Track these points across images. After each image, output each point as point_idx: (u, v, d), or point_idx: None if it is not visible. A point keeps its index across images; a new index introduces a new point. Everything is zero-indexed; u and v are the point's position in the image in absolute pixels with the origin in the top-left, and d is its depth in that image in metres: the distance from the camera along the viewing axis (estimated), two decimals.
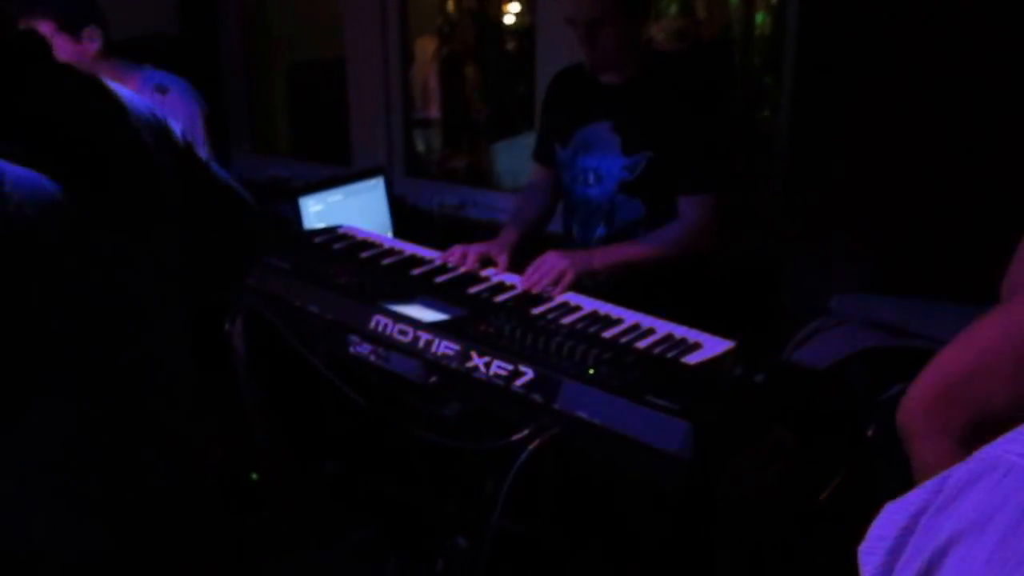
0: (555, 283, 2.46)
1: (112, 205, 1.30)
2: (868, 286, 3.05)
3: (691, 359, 2.06)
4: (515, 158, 4.65)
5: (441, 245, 2.72)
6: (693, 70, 2.77)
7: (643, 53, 2.71)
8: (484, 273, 2.62)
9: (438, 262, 2.66)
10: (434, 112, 5.40)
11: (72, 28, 2.83)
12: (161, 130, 1.44)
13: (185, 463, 1.44)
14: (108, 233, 1.29)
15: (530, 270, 2.49)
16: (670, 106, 2.63)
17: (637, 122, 2.67)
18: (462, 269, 2.62)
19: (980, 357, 1.19)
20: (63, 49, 2.78)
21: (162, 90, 2.95)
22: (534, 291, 2.43)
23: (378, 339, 2.21)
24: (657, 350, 2.11)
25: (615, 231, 2.73)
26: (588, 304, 2.36)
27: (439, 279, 2.54)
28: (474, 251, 2.67)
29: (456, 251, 2.68)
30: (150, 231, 1.37)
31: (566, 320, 2.26)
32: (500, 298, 2.42)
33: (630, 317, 2.28)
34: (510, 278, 2.57)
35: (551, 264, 2.49)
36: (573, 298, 2.42)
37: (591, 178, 2.73)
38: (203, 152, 2.93)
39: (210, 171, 1.59)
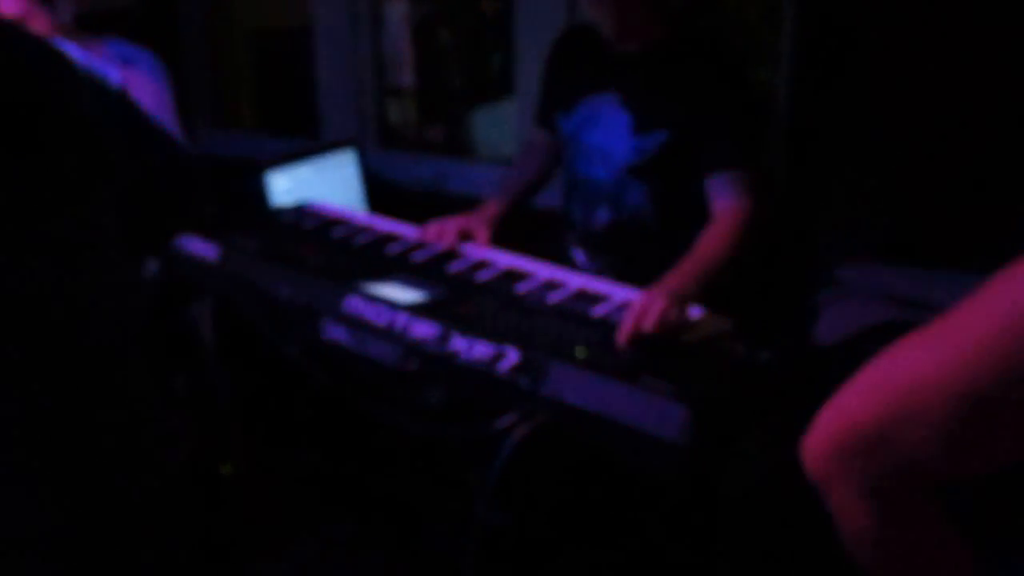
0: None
1: (48, 167, 1.30)
2: (879, 256, 3.00)
3: (689, 337, 2.04)
4: (495, 127, 4.60)
5: (418, 221, 2.70)
6: (715, 37, 2.66)
7: (671, 16, 2.61)
8: (465, 250, 2.58)
9: (414, 239, 2.63)
10: (408, 80, 5.33)
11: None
12: (98, 87, 1.44)
13: (143, 446, 1.42)
14: (46, 198, 1.29)
15: (627, 312, 2.17)
16: (692, 80, 2.54)
17: (652, 98, 2.59)
18: (441, 246, 2.58)
19: (902, 400, 0.96)
20: (39, 22, 2.75)
21: (127, 63, 2.91)
22: (644, 331, 2.11)
23: (353, 322, 2.19)
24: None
25: (623, 218, 2.66)
26: (575, 281, 2.33)
27: (416, 257, 2.52)
28: (452, 226, 2.63)
29: (433, 227, 2.64)
30: (90, 194, 1.36)
31: (554, 298, 2.23)
32: (482, 276, 2.39)
33: (619, 294, 2.24)
34: (492, 254, 2.54)
35: (640, 303, 2.17)
36: (559, 274, 2.38)
37: (596, 157, 2.66)
38: (172, 123, 2.90)
39: (147, 123, 1.55)
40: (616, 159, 2.61)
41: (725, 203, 2.47)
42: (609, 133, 2.62)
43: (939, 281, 2.79)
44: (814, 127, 3.26)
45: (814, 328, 2.63)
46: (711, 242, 2.42)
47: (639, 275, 2.41)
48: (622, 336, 2.01)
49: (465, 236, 2.64)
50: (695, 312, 2.13)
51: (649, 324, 2.02)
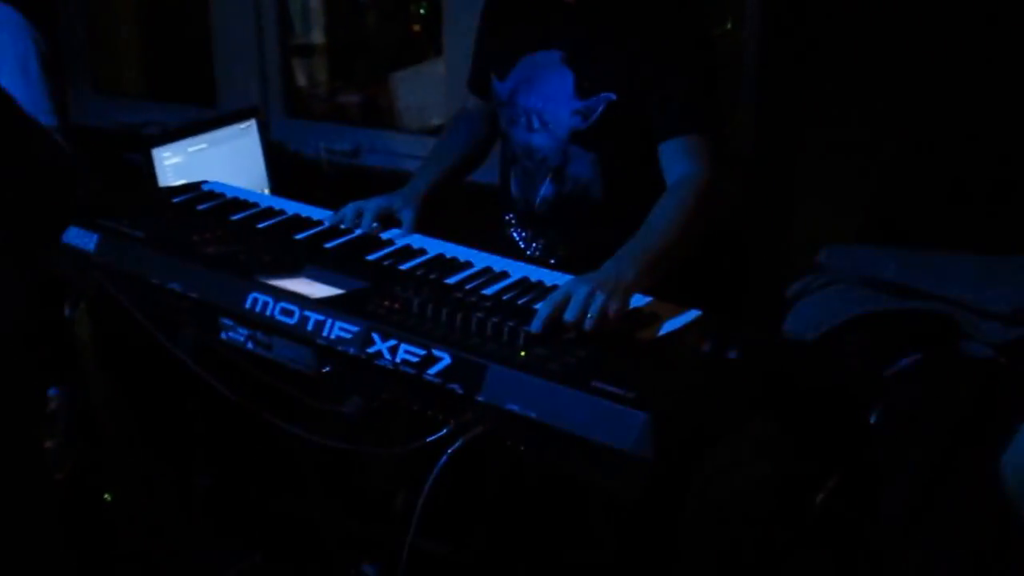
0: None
1: None
2: (862, 236, 3.05)
3: (648, 334, 2.04)
4: (421, 91, 4.58)
5: (332, 202, 2.69)
6: None
7: None
8: (386, 236, 2.57)
9: (328, 224, 2.61)
10: (318, 37, 5.29)
11: None
12: None
13: (10, 468, 1.38)
14: None
15: (548, 298, 2.13)
16: (641, 32, 2.54)
17: (596, 54, 2.58)
18: (358, 231, 2.58)
19: None
20: None
21: None
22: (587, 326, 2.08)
23: (257, 322, 2.17)
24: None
25: (567, 192, 2.65)
26: (516, 269, 2.33)
27: (330, 244, 2.50)
28: (372, 207, 2.61)
29: (350, 209, 2.62)
30: None
31: (491, 290, 2.22)
32: (407, 265, 2.38)
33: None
34: (419, 240, 2.54)
35: (573, 292, 2.12)
36: (496, 262, 2.38)
37: (535, 122, 2.66)
38: (42, 96, 2.84)
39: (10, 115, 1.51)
40: (558, 125, 2.61)
41: (680, 171, 2.45)
42: (550, 95, 2.62)
43: (932, 262, 2.78)
44: (787, 89, 3.28)
45: (791, 320, 2.63)
46: (666, 215, 2.37)
47: (589, 259, 2.38)
48: (535, 323, 2.01)
49: (388, 219, 2.63)
50: (643, 301, 2.14)
51: (573, 315, 2.02)
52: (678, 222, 2.35)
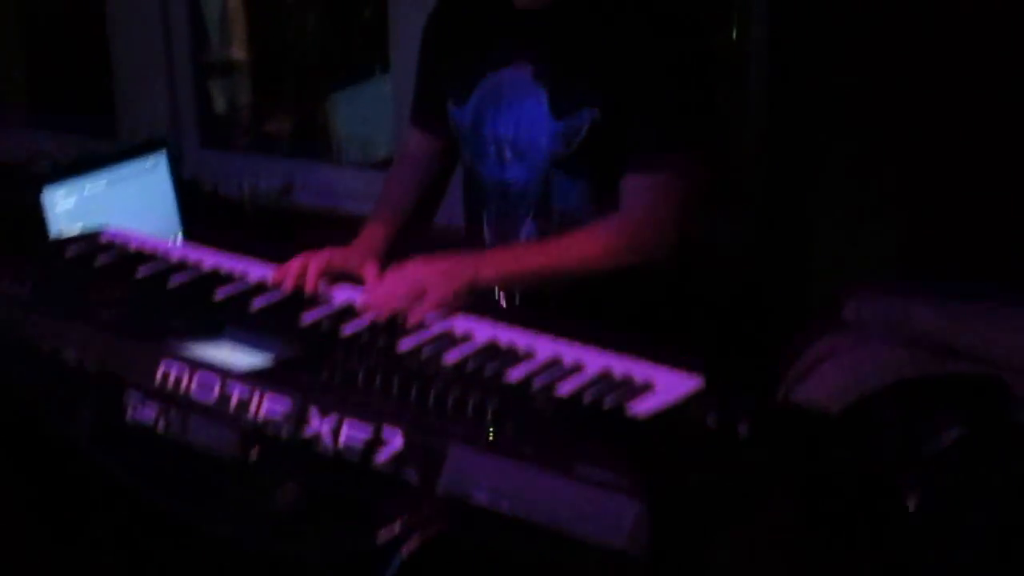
0: (411, 302, 2.42)
1: None
2: (890, 275, 3.07)
3: (641, 406, 2.03)
4: (364, 114, 4.60)
5: (258, 250, 2.72)
6: None
7: None
8: (326, 293, 2.59)
9: (254, 279, 2.63)
10: (239, 51, 5.31)
11: None
12: None
13: None
14: None
15: (370, 286, 2.50)
16: (621, 37, 2.59)
17: (572, 65, 2.63)
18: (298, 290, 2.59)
19: None
20: None
21: None
22: (384, 316, 2.40)
23: (169, 397, 2.16)
24: (589, 396, 2.08)
25: (553, 228, 2.70)
26: (483, 331, 2.34)
27: (257, 303, 2.51)
28: (317, 262, 2.63)
29: (294, 265, 2.63)
30: None
31: (451, 357, 2.23)
32: (350, 328, 2.39)
33: (546, 347, 2.26)
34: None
35: (406, 276, 2.47)
36: (461, 323, 2.39)
37: (507, 152, 2.70)
38: None
39: None
40: (536, 151, 2.67)
41: (627, 212, 2.60)
42: (522, 118, 2.67)
43: (973, 312, 2.83)
44: (801, 106, 3.31)
45: (813, 386, 2.65)
46: (578, 243, 2.59)
47: (584, 309, 2.49)
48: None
49: (342, 275, 2.66)
50: (635, 366, 2.15)
51: (390, 308, 2.32)
52: (575, 250, 2.58)
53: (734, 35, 3.69)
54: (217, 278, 2.64)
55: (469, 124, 2.73)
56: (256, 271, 2.68)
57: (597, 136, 2.60)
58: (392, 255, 2.76)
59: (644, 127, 2.58)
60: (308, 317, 2.45)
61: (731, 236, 3.46)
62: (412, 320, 2.39)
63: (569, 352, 2.25)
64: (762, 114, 3.34)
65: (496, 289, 2.69)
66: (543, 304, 2.68)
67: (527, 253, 2.64)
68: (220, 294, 2.55)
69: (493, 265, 2.57)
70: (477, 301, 2.54)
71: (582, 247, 2.60)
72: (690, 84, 2.61)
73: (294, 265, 2.63)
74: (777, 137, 3.34)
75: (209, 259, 2.73)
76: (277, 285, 2.61)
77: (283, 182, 4.27)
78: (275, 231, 3.03)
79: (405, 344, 2.31)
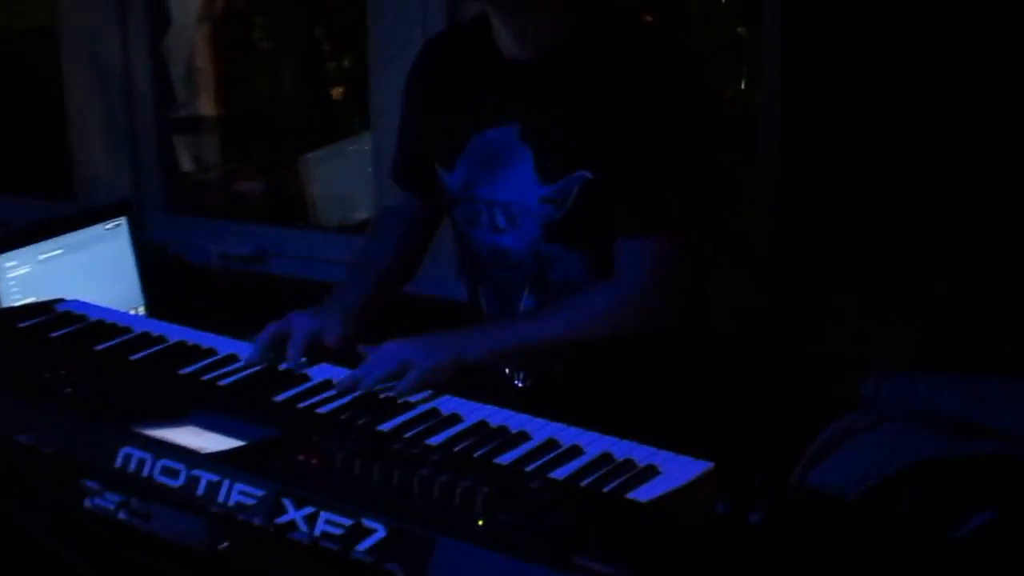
0: (393, 379, 2.45)
1: None
2: (917, 360, 3.09)
3: (644, 493, 2.03)
4: (342, 174, 4.61)
5: (228, 324, 2.73)
6: (648, 33, 2.78)
7: (576, 3, 2.67)
8: (301, 368, 2.58)
9: (223, 354, 2.63)
10: (207, 107, 5.32)
11: None
12: None
13: None
14: None
15: (356, 371, 2.48)
16: (617, 90, 2.60)
17: (560, 122, 2.64)
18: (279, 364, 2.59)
19: None
20: None
21: None
22: (359, 390, 2.43)
23: (131, 484, 2.15)
24: (587, 481, 2.08)
25: (552, 300, 2.71)
26: (472, 411, 2.34)
27: (226, 381, 2.51)
28: (301, 333, 2.63)
29: (266, 337, 2.63)
30: None
31: (437, 439, 2.24)
32: (328, 407, 2.38)
33: (541, 429, 2.26)
34: (342, 373, 2.54)
35: (387, 352, 2.49)
36: (448, 403, 2.39)
37: (500, 218, 2.72)
38: None
39: None
40: (526, 218, 2.68)
41: (623, 279, 2.61)
42: (512, 183, 2.68)
43: (1006, 391, 2.78)
44: (817, 164, 3.31)
45: (831, 469, 2.65)
46: (570, 314, 2.59)
47: (590, 389, 2.55)
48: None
49: (317, 344, 2.65)
50: (637, 450, 2.16)
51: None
52: (568, 322, 2.56)
53: (742, 86, 3.70)
54: (183, 353, 2.64)
55: (460, 188, 2.74)
56: (225, 345, 2.68)
57: (590, 200, 2.61)
58: (368, 320, 2.81)
59: (639, 185, 2.60)
60: (282, 395, 2.45)
61: (739, 307, 3.45)
62: (396, 397, 2.41)
63: (567, 434, 2.25)
64: (770, 172, 3.34)
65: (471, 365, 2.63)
66: (543, 380, 2.70)
67: (515, 324, 2.66)
68: (186, 370, 2.55)
69: (479, 339, 2.58)
70: (470, 380, 2.54)
71: (573, 313, 2.60)
72: (690, 140, 2.63)
73: (266, 337, 2.63)
74: (788, 198, 3.35)
75: (174, 333, 2.73)
76: (249, 360, 2.60)
77: (255, 248, 4.27)
78: (247, 302, 3.02)
79: (387, 425, 2.31)
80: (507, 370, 2.80)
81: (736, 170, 3.58)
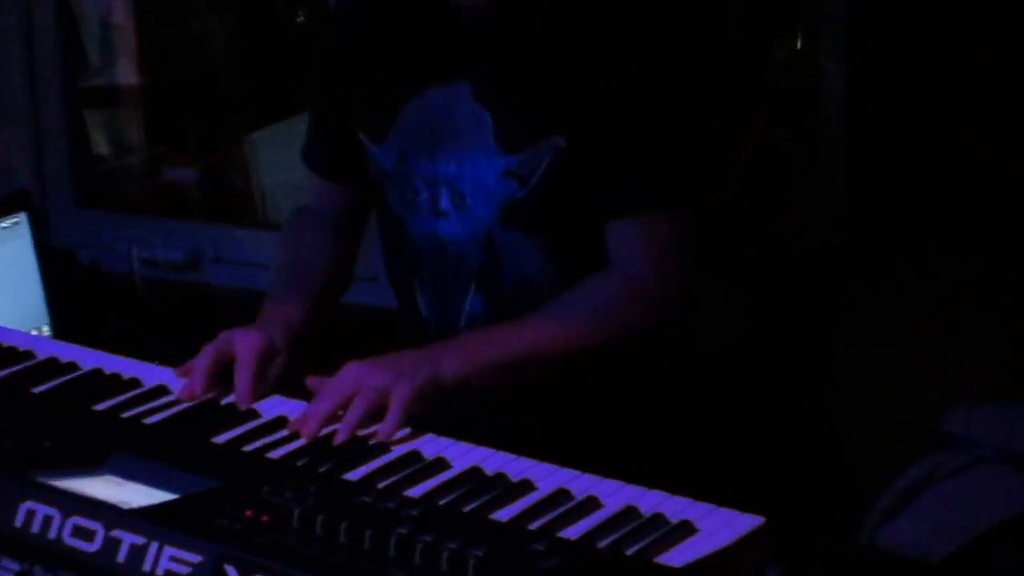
0: (373, 417, 2.39)
1: None
2: (1011, 387, 3.05)
3: (677, 556, 2.00)
4: (294, 158, 4.52)
5: (154, 346, 2.66)
6: None
7: None
8: (246, 406, 2.54)
9: (149, 385, 2.60)
10: (127, 74, 5.25)
11: None
12: None
13: None
14: None
15: (317, 400, 2.42)
16: (597, 40, 2.59)
17: (528, 80, 2.62)
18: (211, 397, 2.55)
19: None
20: None
21: None
22: (339, 438, 2.38)
23: (34, 548, 2.11)
24: (606, 542, 2.04)
25: (504, 304, 2.70)
26: (462, 454, 2.31)
27: (154, 418, 2.47)
28: (248, 354, 2.58)
29: (204, 362, 2.57)
30: None
31: (419, 489, 2.20)
32: (282, 451, 2.35)
33: (548, 476, 2.23)
34: (297, 407, 2.50)
35: (355, 382, 2.42)
36: (432, 444, 2.36)
37: (443, 199, 2.69)
38: None
39: None
40: (478, 198, 2.65)
41: (620, 268, 2.60)
42: (463, 152, 2.65)
43: None
44: (892, 155, 3.29)
45: (908, 525, 2.62)
46: (549, 310, 2.57)
47: (605, 424, 2.56)
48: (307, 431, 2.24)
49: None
50: (672, 504, 2.13)
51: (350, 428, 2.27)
52: (557, 325, 2.53)
53: (798, 45, 3.65)
54: (99, 384, 2.61)
55: (393, 164, 2.73)
56: (152, 374, 2.65)
57: (562, 174, 2.59)
58: (308, 338, 2.77)
59: (633, 153, 2.58)
60: (224, 435, 2.42)
61: (798, 329, 3.43)
62: (383, 437, 2.38)
63: (579, 483, 2.22)
64: (839, 158, 3.29)
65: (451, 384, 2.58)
66: (547, 413, 2.68)
67: (501, 332, 2.61)
68: (103, 406, 2.51)
69: (457, 354, 2.52)
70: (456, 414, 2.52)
71: (570, 311, 2.58)
72: (685, 99, 2.65)
73: (204, 362, 2.57)
74: (858, 188, 3.30)
75: (88, 358, 2.70)
76: (182, 392, 2.56)
77: (189, 252, 4.22)
78: (178, 319, 2.97)
79: (356, 472, 2.28)
80: (498, 401, 2.74)
81: (792, 153, 3.53)
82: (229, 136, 4.91)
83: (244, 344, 2.57)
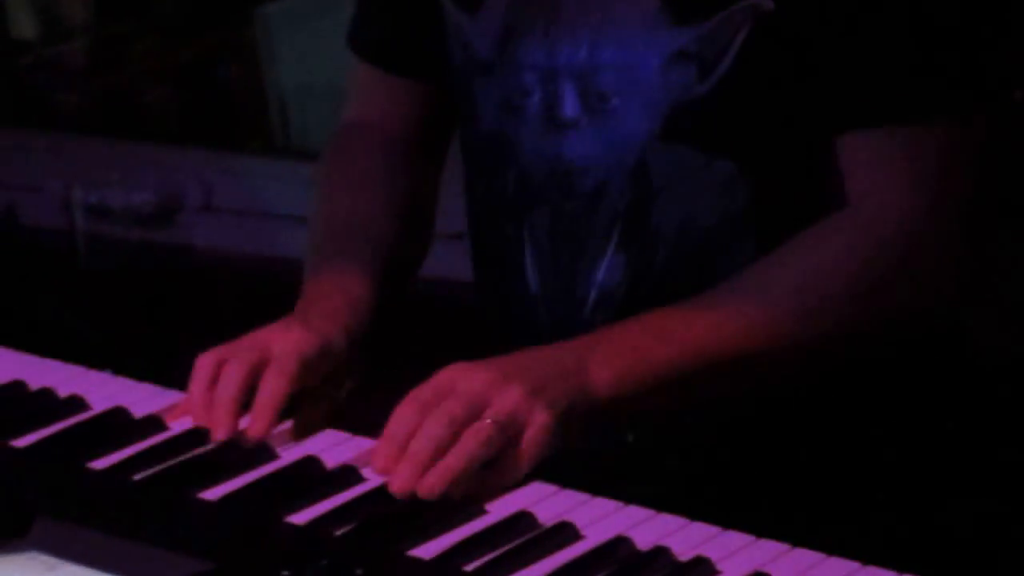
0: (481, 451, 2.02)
1: None
2: None
3: None
4: (333, 41, 3.85)
5: (111, 341, 2.56)
6: None
7: None
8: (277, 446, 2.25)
9: (98, 409, 2.22)
10: None
11: None
12: None
13: None
14: None
15: (395, 421, 1.98)
16: None
17: None
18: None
19: None
20: None
21: None
22: (432, 488, 1.95)
23: None
24: None
25: (661, 269, 2.28)
26: (594, 518, 1.92)
27: (139, 475, 2.09)
28: (277, 375, 2.18)
29: (203, 370, 2.18)
30: None
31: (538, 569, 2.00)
32: (307, 515, 1.95)
33: (734, 558, 1.98)
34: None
35: (469, 401, 1.93)
36: (542, 498, 1.97)
37: (567, 102, 2.27)
38: None
39: None
40: (631, 97, 2.21)
41: (865, 209, 2.18)
42: (602, 25, 2.27)
43: None
44: None
45: None
46: (760, 293, 2.14)
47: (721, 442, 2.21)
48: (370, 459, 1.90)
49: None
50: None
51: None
52: (771, 303, 2.10)
53: None
54: (29, 406, 2.21)
55: (491, 48, 2.33)
56: (106, 389, 2.20)
57: (767, 57, 2.18)
58: (383, 330, 2.31)
59: (878, 29, 2.13)
60: (208, 493, 2.00)
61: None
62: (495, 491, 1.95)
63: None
64: None
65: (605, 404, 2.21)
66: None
67: (673, 322, 2.07)
68: (23, 442, 2.11)
69: (609, 358, 2.01)
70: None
71: (782, 288, 2.05)
72: None
73: (230, 390, 2.08)
74: None
75: (5, 362, 2.37)
76: (215, 436, 2.15)
77: (162, 195, 3.54)
78: (143, 305, 2.41)
79: (433, 544, 1.83)
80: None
81: None
82: (228, 7, 4.19)
83: (284, 349, 2.08)
